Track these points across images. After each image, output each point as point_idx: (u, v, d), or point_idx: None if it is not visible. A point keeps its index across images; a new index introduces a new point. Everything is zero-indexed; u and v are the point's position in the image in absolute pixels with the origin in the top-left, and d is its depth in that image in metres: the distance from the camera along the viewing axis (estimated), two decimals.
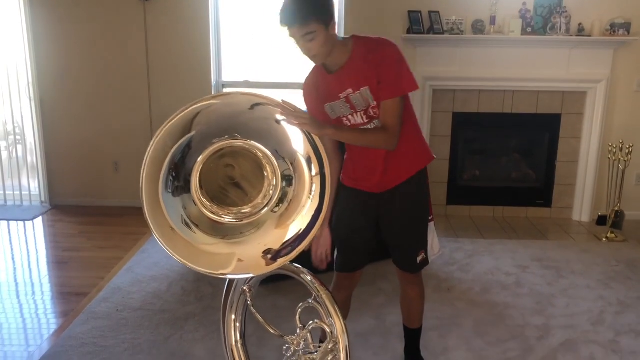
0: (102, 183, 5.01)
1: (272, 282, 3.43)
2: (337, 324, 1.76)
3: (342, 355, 1.75)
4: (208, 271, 1.68)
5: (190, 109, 1.68)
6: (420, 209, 2.27)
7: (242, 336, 2.08)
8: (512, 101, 4.71)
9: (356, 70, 2.00)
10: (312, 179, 1.67)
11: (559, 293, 3.39)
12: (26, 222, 4.69)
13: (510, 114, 4.73)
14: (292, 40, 1.92)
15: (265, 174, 1.68)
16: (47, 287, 3.52)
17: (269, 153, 1.66)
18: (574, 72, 4.56)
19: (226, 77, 4.93)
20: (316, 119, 1.78)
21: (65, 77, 4.80)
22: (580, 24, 4.50)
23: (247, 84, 4.90)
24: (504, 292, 3.40)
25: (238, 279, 1.95)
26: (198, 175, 1.66)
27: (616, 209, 4.38)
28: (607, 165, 4.56)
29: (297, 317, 1.85)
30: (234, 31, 4.85)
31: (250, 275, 1.77)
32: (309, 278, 1.83)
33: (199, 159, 1.66)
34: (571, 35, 4.48)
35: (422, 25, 4.51)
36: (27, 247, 4.23)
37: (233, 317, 2.06)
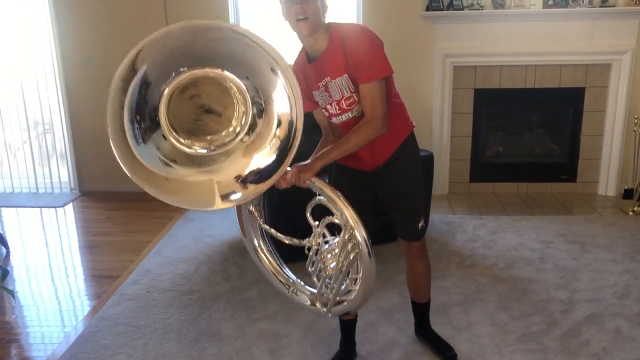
0: None
1: (298, 261, 3.49)
2: (347, 214, 1.86)
3: (360, 239, 1.85)
4: (200, 208, 1.87)
5: (131, 52, 1.71)
6: (413, 176, 2.29)
7: (266, 243, 2.28)
8: (534, 76, 4.65)
9: (333, 57, 2.02)
10: (279, 123, 1.72)
11: (583, 267, 3.38)
12: (57, 208, 4.83)
13: (532, 89, 4.68)
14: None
15: (235, 101, 1.72)
16: (79, 270, 3.64)
17: (237, 80, 1.69)
18: (597, 44, 4.48)
19: None
20: (301, 166, 1.95)
21: (89, 65, 4.88)
22: None
23: None
24: (528, 267, 3.41)
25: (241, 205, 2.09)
26: (165, 109, 1.70)
27: None
28: (632, 138, 4.50)
29: (309, 214, 2.00)
30: (254, 16, 4.86)
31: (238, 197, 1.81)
32: (316, 184, 1.95)
33: (165, 91, 1.69)
34: (594, 7, 4.39)
35: (441, 1, 4.47)
36: (60, 232, 4.36)
37: (252, 232, 2.27)
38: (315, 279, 2.08)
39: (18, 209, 4.86)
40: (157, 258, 3.68)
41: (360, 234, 1.85)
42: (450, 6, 4.46)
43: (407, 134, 2.26)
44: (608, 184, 4.77)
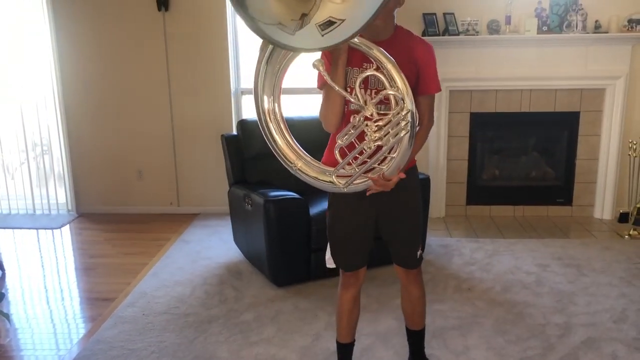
0: (127, 191, 5.13)
1: (294, 285, 3.50)
2: (403, 87, 1.84)
3: (411, 119, 1.85)
4: None
5: None
6: (416, 204, 2.29)
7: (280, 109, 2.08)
8: (529, 100, 4.70)
9: (393, 50, 1.96)
10: None
11: (580, 291, 3.38)
12: (54, 230, 4.82)
13: (528, 113, 4.73)
14: None
15: None
16: (75, 292, 3.63)
17: None
18: (591, 70, 4.54)
19: (245, 84, 5.01)
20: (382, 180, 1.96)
21: (88, 88, 4.93)
22: (597, 21, 4.48)
23: None
24: (525, 291, 3.41)
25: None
26: None
27: (638, 205, 4.35)
28: (627, 162, 4.54)
29: (357, 86, 1.93)
30: (252, 38, 4.92)
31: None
32: (374, 51, 1.87)
33: None
34: (588, 33, 4.46)
35: (437, 27, 4.54)
36: (56, 254, 4.34)
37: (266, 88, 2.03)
38: (337, 153, 1.98)
39: (15, 230, 4.85)
40: (154, 280, 3.67)
41: (413, 112, 1.85)
42: (446, 32, 4.52)
43: (414, 162, 2.28)
44: (604, 208, 4.80)
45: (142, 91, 4.91)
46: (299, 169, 2.04)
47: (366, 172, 1.97)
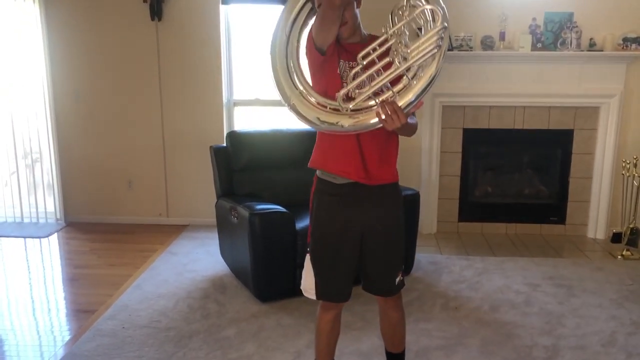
0: (116, 200, 5.08)
1: (279, 300, 3.43)
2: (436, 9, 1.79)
3: (445, 45, 1.82)
4: None
5: None
6: (400, 222, 2.21)
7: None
8: (523, 117, 4.66)
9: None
10: None
11: (569, 312, 3.32)
12: (41, 239, 4.76)
13: (521, 130, 4.69)
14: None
15: None
16: (59, 304, 3.55)
17: None
18: (586, 88, 4.51)
19: (237, 96, 4.98)
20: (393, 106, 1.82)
21: (79, 97, 4.89)
22: (591, 39, 4.45)
23: (258, 102, 4.95)
24: (513, 310, 3.34)
25: None
26: None
27: (631, 226, 4.29)
28: (621, 181, 4.49)
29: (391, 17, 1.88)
30: (245, 50, 4.91)
31: None
32: None
33: None
34: (582, 50, 4.44)
35: None
36: (43, 264, 4.28)
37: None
38: (351, 76, 1.90)
39: (1, 238, 4.79)
40: (137, 293, 3.61)
41: (447, 36, 1.82)
42: None
43: (398, 177, 2.20)
44: (597, 227, 4.74)
45: (134, 101, 4.88)
46: (293, 104, 1.93)
47: (376, 95, 1.86)
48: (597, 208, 4.72)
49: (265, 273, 3.40)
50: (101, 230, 4.93)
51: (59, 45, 4.81)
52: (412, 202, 3.71)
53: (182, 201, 5.02)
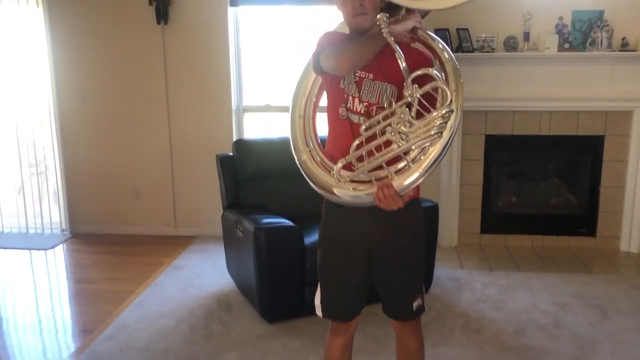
0: (123, 210, 4.91)
1: (286, 320, 3.20)
2: (456, 91, 1.69)
3: (454, 124, 1.67)
4: None
5: None
6: (420, 243, 2.01)
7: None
8: (549, 122, 4.38)
9: (389, 59, 1.76)
10: None
11: (603, 337, 3.03)
12: (47, 251, 4.61)
13: (548, 136, 4.40)
14: None
15: None
16: (53, 323, 3.38)
17: None
18: (618, 90, 4.20)
19: (247, 102, 4.78)
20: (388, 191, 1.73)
21: (85, 104, 4.74)
22: (624, 38, 4.16)
23: (270, 109, 4.74)
24: (540, 333, 3.07)
25: None
26: None
27: None
28: None
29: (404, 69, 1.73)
30: (255, 54, 4.72)
31: None
32: (440, 45, 1.82)
33: None
34: (614, 51, 4.14)
35: (450, 43, 4.26)
36: (43, 278, 4.12)
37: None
38: (354, 147, 1.79)
39: (6, 250, 4.65)
40: (137, 310, 3.41)
41: (457, 115, 1.67)
42: (460, 48, 4.24)
43: (419, 193, 2.00)
44: (631, 240, 4.42)
45: (140, 108, 4.70)
46: (303, 160, 1.94)
47: (375, 170, 1.75)
48: (630, 219, 4.41)
49: (272, 291, 3.18)
50: (107, 241, 4.76)
51: (63, 51, 4.66)
52: (430, 215, 3.46)
53: (190, 211, 4.83)
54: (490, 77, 4.27)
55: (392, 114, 1.72)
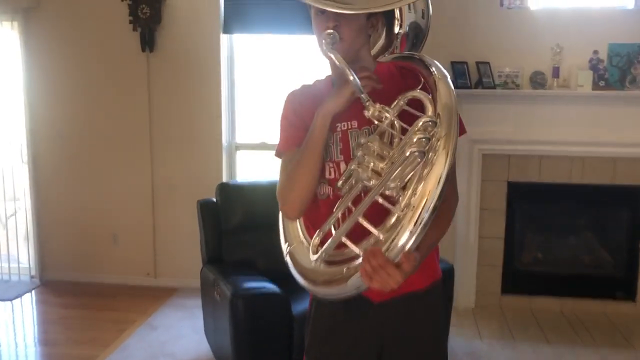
0: (99, 257, 4.40)
1: None
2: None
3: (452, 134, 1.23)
4: None
5: None
6: (444, 336, 1.67)
7: None
8: (582, 169, 3.85)
9: (374, 93, 1.34)
10: None
11: None
12: (12, 301, 4.09)
13: (579, 185, 3.87)
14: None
15: None
16: None
17: None
18: None
19: (240, 139, 4.30)
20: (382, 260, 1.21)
21: (60, 139, 4.28)
22: None
23: (265, 147, 4.25)
24: None
25: None
26: None
27: None
28: None
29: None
30: (251, 86, 4.26)
31: None
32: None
33: None
34: None
35: (468, 78, 3.78)
36: (7, 336, 3.59)
37: None
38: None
39: None
40: None
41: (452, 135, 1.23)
42: (480, 84, 3.76)
43: (441, 274, 1.57)
44: None
45: (120, 143, 4.23)
46: (289, 252, 1.46)
47: (360, 239, 1.27)
48: None
49: None
50: (79, 291, 4.24)
51: (39, 76, 4.23)
52: (445, 278, 2.91)
53: (172, 260, 4.30)
54: (514, 117, 3.78)
55: (366, 149, 1.27)
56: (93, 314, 3.84)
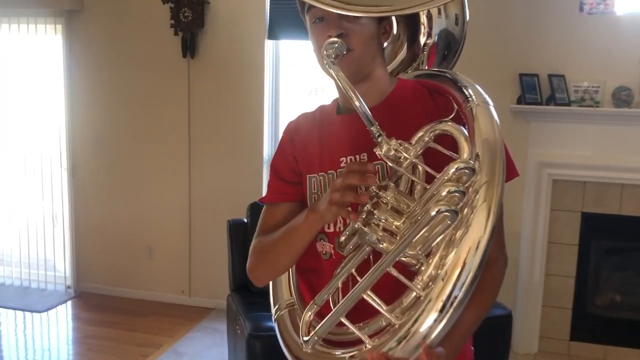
0: (134, 270, 4.22)
1: None
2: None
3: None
4: None
5: None
6: None
7: None
8: None
9: (394, 119, 1.07)
10: None
11: None
12: (41, 313, 3.96)
13: None
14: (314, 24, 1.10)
15: None
16: None
17: None
18: None
19: None
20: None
21: (99, 146, 4.14)
22: None
23: None
24: None
25: None
26: None
27: None
28: None
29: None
30: (296, 96, 3.98)
31: None
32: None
33: None
34: None
35: (539, 92, 3.32)
36: (34, 350, 3.46)
37: None
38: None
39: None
40: None
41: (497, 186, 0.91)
42: (552, 100, 3.30)
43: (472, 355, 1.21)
44: None
45: (158, 153, 4.04)
46: (277, 318, 1.22)
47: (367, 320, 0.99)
48: None
49: None
50: (111, 306, 4.07)
51: (80, 83, 4.12)
52: (500, 328, 2.50)
53: (208, 279, 4.05)
54: (592, 139, 3.29)
55: (376, 203, 0.95)
56: (120, 335, 3.64)
